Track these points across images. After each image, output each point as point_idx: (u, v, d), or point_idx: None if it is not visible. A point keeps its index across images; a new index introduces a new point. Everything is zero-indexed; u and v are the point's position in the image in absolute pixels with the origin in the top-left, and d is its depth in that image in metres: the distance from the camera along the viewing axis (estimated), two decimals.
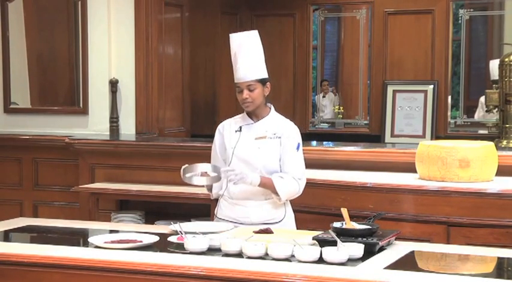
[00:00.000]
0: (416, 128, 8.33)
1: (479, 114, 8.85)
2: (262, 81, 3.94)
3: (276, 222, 3.97)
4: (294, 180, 3.91)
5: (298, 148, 3.97)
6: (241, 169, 3.87)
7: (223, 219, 4.02)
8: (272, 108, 4.06)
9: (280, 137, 3.95)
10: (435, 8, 8.28)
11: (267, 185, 3.89)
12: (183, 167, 3.90)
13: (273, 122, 4.01)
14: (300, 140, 4.00)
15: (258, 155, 3.93)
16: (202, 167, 3.92)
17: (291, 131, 3.98)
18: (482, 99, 8.65)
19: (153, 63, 6.63)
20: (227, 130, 4.05)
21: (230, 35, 4.01)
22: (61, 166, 6.39)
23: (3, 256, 3.45)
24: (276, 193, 3.89)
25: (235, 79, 3.95)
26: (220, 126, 4.11)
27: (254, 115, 4.01)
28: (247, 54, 3.92)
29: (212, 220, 4.25)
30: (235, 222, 3.97)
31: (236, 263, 3.21)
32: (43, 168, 6.49)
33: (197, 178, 3.90)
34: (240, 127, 4.01)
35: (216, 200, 4.15)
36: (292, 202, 4.10)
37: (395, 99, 8.46)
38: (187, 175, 3.89)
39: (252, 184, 3.85)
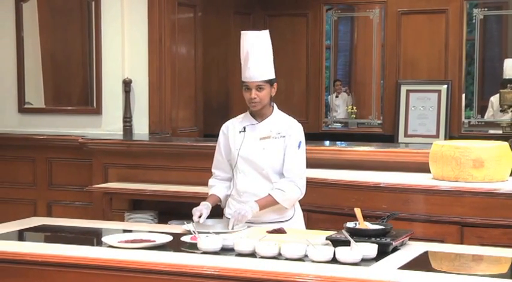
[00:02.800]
0: (430, 128, 8.30)
1: (489, 114, 8.81)
2: (271, 82, 3.94)
3: (286, 221, 3.98)
4: (292, 185, 3.92)
5: (299, 146, 3.96)
6: (238, 208, 3.87)
7: None
8: (275, 106, 4.04)
9: (284, 136, 3.95)
10: (449, 8, 8.25)
11: (268, 204, 3.91)
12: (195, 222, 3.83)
13: (277, 121, 4.00)
14: (302, 138, 3.99)
15: (263, 156, 3.93)
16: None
17: (293, 130, 3.97)
18: (492, 98, 8.63)
19: (166, 63, 6.64)
20: (231, 131, 4.04)
21: (242, 32, 3.99)
22: (75, 166, 6.40)
23: (18, 255, 3.46)
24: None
25: (243, 77, 3.94)
26: (224, 127, 4.10)
27: (258, 115, 3.99)
28: (259, 54, 3.91)
29: None
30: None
31: (250, 263, 3.22)
32: (57, 167, 6.51)
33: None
34: (244, 127, 4.00)
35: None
36: (305, 202, 4.10)
37: (408, 99, 8.44)
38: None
39: (254, 213, 3.84)
